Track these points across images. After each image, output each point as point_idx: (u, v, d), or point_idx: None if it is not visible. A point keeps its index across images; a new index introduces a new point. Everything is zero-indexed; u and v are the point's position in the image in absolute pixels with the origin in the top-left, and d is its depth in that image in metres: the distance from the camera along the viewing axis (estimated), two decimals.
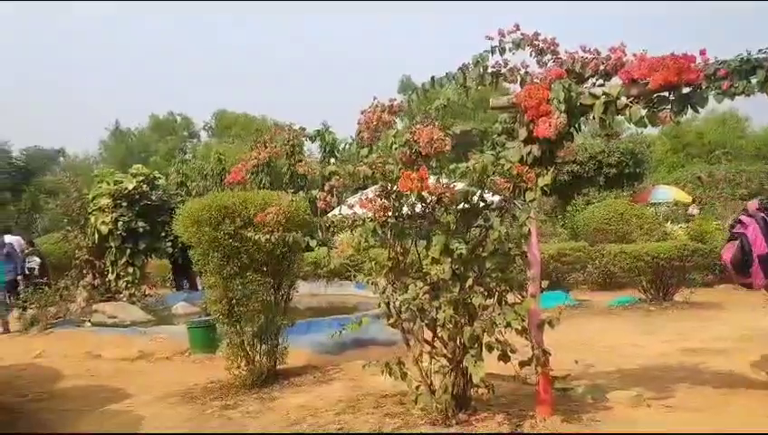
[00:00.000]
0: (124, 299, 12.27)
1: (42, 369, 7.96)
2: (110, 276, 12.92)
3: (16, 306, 11.62)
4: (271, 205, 5.39)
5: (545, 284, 4.83)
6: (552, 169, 4.41)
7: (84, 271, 12.68)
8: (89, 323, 10.80)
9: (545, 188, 4.40)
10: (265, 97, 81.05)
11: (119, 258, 13.13)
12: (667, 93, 4.28)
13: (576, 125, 4.70)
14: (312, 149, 28.67)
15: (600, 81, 4.58)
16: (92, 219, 13.00)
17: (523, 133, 4.50)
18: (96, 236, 12.93)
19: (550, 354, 4.74)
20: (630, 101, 4.32)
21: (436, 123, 4.35)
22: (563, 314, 4.77)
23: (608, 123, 4.59)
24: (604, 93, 4.38)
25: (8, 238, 12.86)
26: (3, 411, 5.95)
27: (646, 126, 4.38)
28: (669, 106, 4.25)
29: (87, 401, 6.32)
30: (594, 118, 4.44)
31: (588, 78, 4.58)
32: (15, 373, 7.70)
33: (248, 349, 6.43)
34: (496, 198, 4.83)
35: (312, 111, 55.04)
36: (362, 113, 4.67)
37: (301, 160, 5.00)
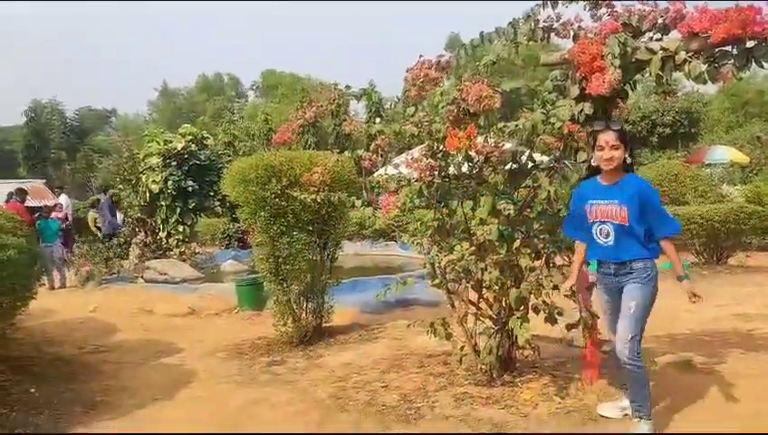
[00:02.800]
0: (175, 256, 12.57)
1: (97, 323, 8.26)
2: (161, 234, 13.23)
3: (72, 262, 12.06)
4: (317, 165, 5.38)
5: None
6: None
7: (137, 229, 13.02)
8: (141, 280, 11.13)
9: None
10: (311, 56, 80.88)
11: (169, 217, 13.41)
12: (729, 48, 4.06)
13: (631, 82, 4.52)
14: (358, 110, 28.59)
15: (658, 35, 4.35)
16: (143, 178, 13.27)
17: (574, 90, 4.34)
18: (147, 194, 13.22)
19: (598, 317, 4.65)
20: (690, 56, 4.09)
21: (485, 80, 4.22)
22: None
23: (665, 80, 4.38)
24: (662, 48, 4.16)
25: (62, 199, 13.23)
26: (62, 363, 6.21)
27: (705, 82, 4.15)
28: (732, 61, 4.03)
29: (141, 354, 6.54)
30: (651, 74, 4.24)
31: (645, 32, 4.37)
32: (73, 327, 8.00)
33: (294, 307, 6.53)
34: (545, 159, 4.71)
35: (358, 71, 54.67)
36: (408, 71, 4.56)
37: (346, 120, 4.98)
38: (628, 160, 3.79)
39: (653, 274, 3.77)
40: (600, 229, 3.82)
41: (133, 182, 13.33)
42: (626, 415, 3.94)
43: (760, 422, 3.83)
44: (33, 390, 5.17)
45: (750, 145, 22.69)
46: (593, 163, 3.90)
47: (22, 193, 11.52)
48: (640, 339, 3.74)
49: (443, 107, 4.40)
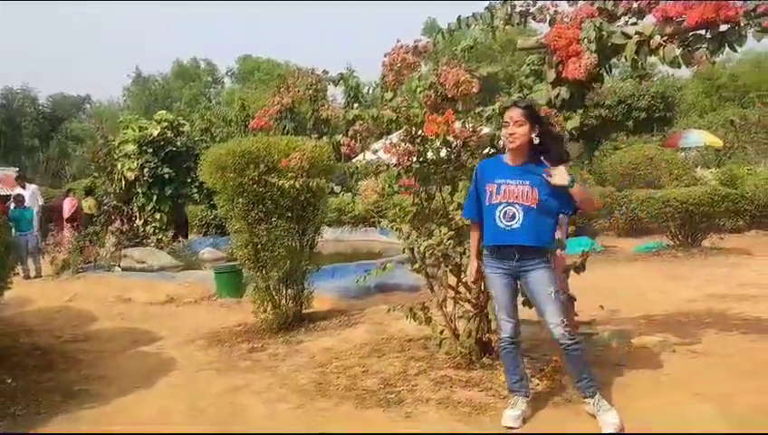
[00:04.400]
0: (152, 244, 12.48)
1: (74, 312, 8.18)
2: (138, 222, 13.11)
3: (47, 252, 11.91)
4: (295, 150, 5.35)
5: (572, 229, 4.77)
6: (580, 112, 4.29)
7: (113, 217, 12.88)
8: (118, 268, 11.03)
9: (573, 131, 4.29)
10: (287, 41, 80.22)
11: (146, 204, 13.29)
12: (702, 32, 4.10)
13: (607, 66, 4.55)
14: (336, 95, 28.43)
15: (633, 19, 4.38)
16: (119, 166, 13.12)
17: (551, 75, 4.36)
18: (123, 182, 13.08)
19: (575, 299, 4.72)
20: (664, 41, 4.13)
21: (463, 65, 4.23)
22: (589, 260, 4.73)
23: (640, 64, 4.42)
24: (637, 32, 4.19)
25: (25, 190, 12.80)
26: (40, 352, 6.14)
27: (680, 66, 4.19)
28: (705, 45, 4.07)
29: (119, 343, 6.49)
30: (626, 58, 4.27)
31: (620, 16, 4.39)
32: (50, 316, 7.92)
33: (274, 293, 6.52)
34: None
35: (335, 57, 54.32)
36: (386, 56, 4.55)
37: (324, 105, 4.96)
38: (535, 140, 3.58)
39: (551, 258, 3.78)
40: (506, 211, 3.60)
41: (108, 170, 13.18)
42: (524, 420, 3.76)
43: (735, 401, 3.91)
44: (9, 380, 5.11)
45: (723, 129, 23.01)
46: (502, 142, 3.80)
47: None
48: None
49: (420, 92, 4.40)
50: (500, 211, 3.61)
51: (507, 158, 3.73)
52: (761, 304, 6.76)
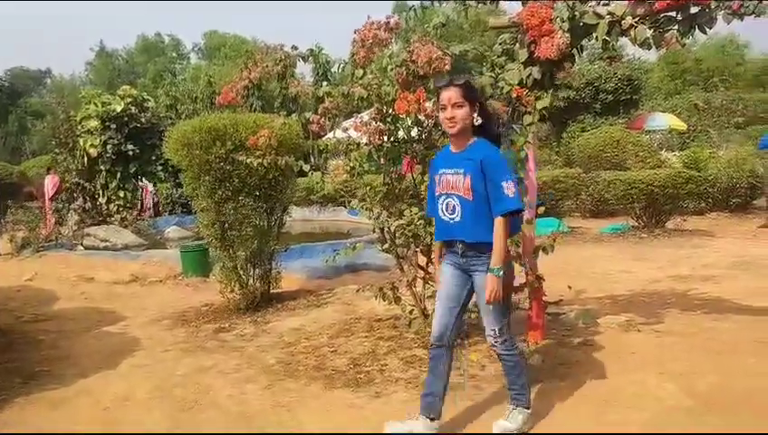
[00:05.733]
0: (116, 223, 12.24)
1: (35, 291, 8.00)
2: (101, 200, 12.84)
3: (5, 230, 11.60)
4: (262, 128, 5.25)
5: (540, 210, 4.79)
6: (551, 92, 4.28)
7: (75, 194, 12.58)
8: (81, 247, 10.80)
9: (543, 111, 4.28)
10: (255, 18, 78.97)
11: (109, 182, 13.02)
12: (673, 14, 4.12)
13: (578, 46, 4.54)
14: (304, 73, 28.11)
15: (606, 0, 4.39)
16: (81, 142, 12.80)
17: (523, 54, 4.34)
18: (85, 159, 12.77)
19: (543, 280, 4.74)
20: (636, 22, 4.14)
21: (435, 42, 4.17)
22: (556, 241, 4.76)
23: (611, 45, 4.42)
24: (609, 13, 4.19)
25: None
26: None
27: (650, 48, 4.21)
28: (676, 27, 4.09)
29: (82, 323, 6.36)
30: (597, 39, 4.27)
31: None
32: (9, 296, 7.73)
33: (241, 273, 6.44)
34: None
35: (303, 35, 53.65)
36: (356, 32, 4.47)
37: (292, 82, 4.87)
38: (477, 122, 3.23)
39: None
40: (447, 203, 3.27)
41: (70, 146, 12.84)
42: None
43: (697, 380, 3.99)
44: None
45: (688, 112, 23.40)
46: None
47: None
48: (508, 326, 3.33)
49: (392, 69, 4.34)
50: (442, 203, 3.29)
51: (451, 144, 3.37)
52: (723, 284, 6.91)
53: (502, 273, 3.11)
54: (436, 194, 3.32)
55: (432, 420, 3.35)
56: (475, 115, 3.22)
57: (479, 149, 3.21)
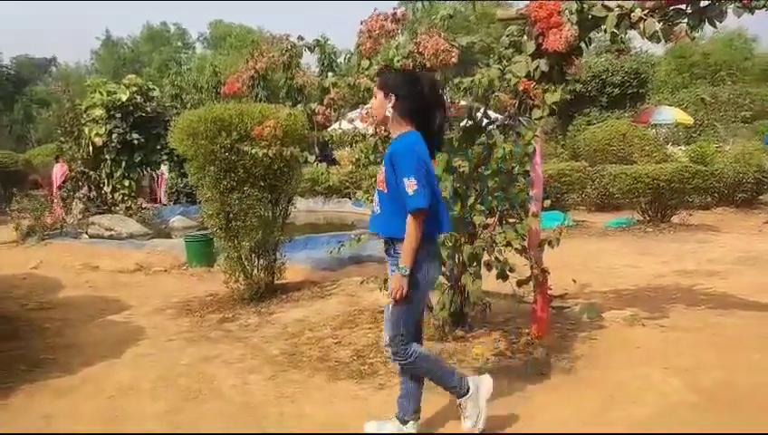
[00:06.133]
0: (121, 212, 12.25)
1: (41, 279, 8.01)
2: (106, 189, 12.85)
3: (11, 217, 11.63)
4: (268, 118, 5.24)
5: (546, 203, 4.77)
6: (561, 86, 4.25)
7: (80, 183, 12.58)
8: (86, 236, 10.82)
9: (553, 105, 4.25)
10: (260, 7, 78.78)
11: (114, 171, 13.03)
12: (683, 6, 4.08)
13: (586, 39, 4.51)
14: (310, 63, 28.04)
15: None
16: (86, 131, 12.80)
17: (531, 46, 4.30)
18: (90, 147, 12.77)
19: (548, 274, 4.73)
20: (645, 14, 4.10)
21: (442, 34, 4.14)
22: (562, 235, 4.74)
23: (619, 38, 4.39)
24: (618, 5, 4.16)
25: None
26: (3, 320, 6.00)
27: (660, 41, 4.17)
28: (686, 20, 4.05)
29: (87, 311, 6.37)
30: (606, 31, 4.23)
31: None
32: (14, 283, 7.75)
33: (246, 263, 6.44)
34: (500, 117, 4.69)
35: (309, 27, 53.47)
36: (363, 23, 4.44)
37: (300, 72, 4.88)
38: (388, 113, 3.08)
39: (419, 258, 2.97)
40: (375, 197, 3.20)
41: (75, 135, 12.83)
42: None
43: (702, 375, 3.98)
44: None
45: (694, 106, 23.26)
46: None
47: None
48: (406, 334, 3.10)
49: (398, 61, 4.31)
50: (374, 197, 3.22)
51: None
52: (728, 279, 6.89)
53: (407, 271, 2.93)
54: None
55: (405, 421, 3.25)
56: (389, 106, 3.07)
57: (395, 142, 3.10)
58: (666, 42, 4.19)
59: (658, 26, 4.04)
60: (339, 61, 23.87)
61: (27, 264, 8.92)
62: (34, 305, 6.68)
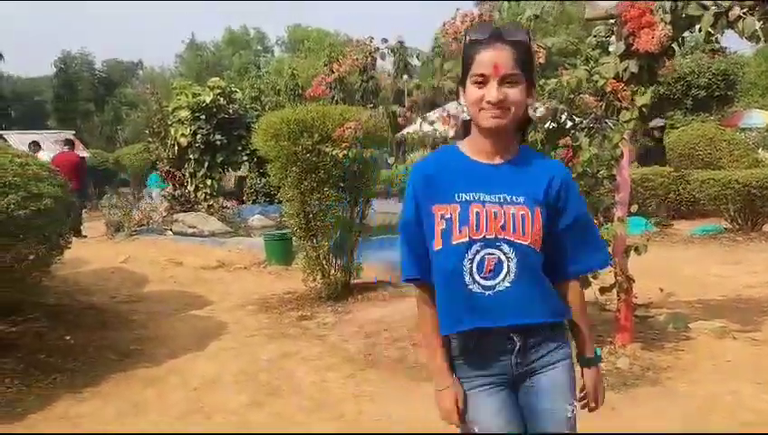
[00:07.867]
0: (203, 210, 12.66)
1: (128, 273, 8.37)
2: (190, 188, 13.31)
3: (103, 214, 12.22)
4: (349, 120, 5.30)
5: (634, 208, 4.63)
6: (651, 88, 4.11)
7: (165, 181, 13.10)
8: (170, 232, 11.24)
9: (644, 108, 4.11)
10: (336, 12, 79.94)
11: (197, 170, 13.47)
12: None
13: (679, 39, 4.35)
14: (383, 66, 28.19)
15: None
16: (172, 131, 13.29)
17: (620, 47, 4.18)
18: (176, 147, 13.26)
19: (633, 281, 4.58)
20: (744, 13, 3.92)
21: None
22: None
23: (714, 38, 4.21)
24: (714, 4, 3.99)
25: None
26: (95, 311, 6.31)
27: (759, 41, 3.97)
28: None
29: (171, 305, 6.62)
30: (701, 31, 4.07)
31: None
32: (104, 277, 8.12)
33: (324, 263, 6.53)
34: (583, 121, 4.58)
35: (382, 26, 53.82)
36: (445, 24, 4.43)
37: (373, 77, 4.93)
38: (538, 113, 2.54)
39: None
40: (485, 258, 1.78)
41: (162, 135, 13.37)
42: None
43: None
44: (68, 337, 5.26)
45: None
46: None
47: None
48: None
49: None
50: (471, 258, 1.76)
51: (472, 148, 1.87)
52: None
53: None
54: (455, 241, 1.77)
55: None
56: (531, 100, 1.85)
57: (543, 164, 1.89)
58: (766, 41, 3.99)
59: (758, 25, 3.85)
60: (413, 63, 23.97)
61: (116, 258, 9.34)
62: (123, 298, 7.00)
